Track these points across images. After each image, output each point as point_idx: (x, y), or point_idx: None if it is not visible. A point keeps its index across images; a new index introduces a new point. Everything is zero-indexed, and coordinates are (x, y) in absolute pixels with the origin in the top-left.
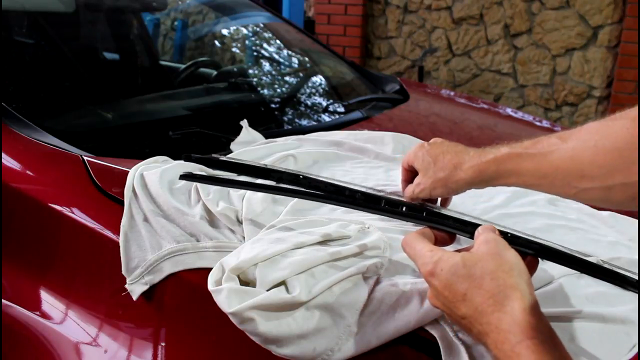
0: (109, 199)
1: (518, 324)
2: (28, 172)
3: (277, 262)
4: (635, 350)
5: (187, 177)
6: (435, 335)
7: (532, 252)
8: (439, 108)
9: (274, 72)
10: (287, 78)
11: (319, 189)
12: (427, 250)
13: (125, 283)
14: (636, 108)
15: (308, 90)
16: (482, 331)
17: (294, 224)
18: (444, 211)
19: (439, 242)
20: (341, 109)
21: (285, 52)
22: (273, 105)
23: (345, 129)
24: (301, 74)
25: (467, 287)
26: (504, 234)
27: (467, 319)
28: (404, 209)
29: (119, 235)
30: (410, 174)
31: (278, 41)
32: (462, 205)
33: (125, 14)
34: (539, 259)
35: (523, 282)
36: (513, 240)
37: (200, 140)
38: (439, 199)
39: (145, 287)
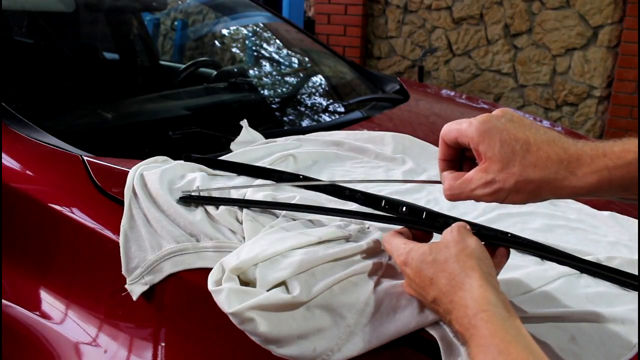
0: (109, 199)
1: (475, 299)
2: (28, 172)
3: (277, 262)
4: (635, 350)
5: (187, 198)
6: (435, 336)
7: (503, 243)
8: (439, 108)
9: (274, 72)
10: (287, 78)
11: (319, 189)
12: (401, 243)
13: (125, 283)
14: None
15: (308, 90)
16: (447, 310)
17: (294, 224)
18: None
19: (416, 239)
20: (341, 109)
21: (285, 52)
22: (273, 105)
23: (345, 129)
24: (301, 74)
25: (434, 272)
26: (476, 229)
27: (436, 301)
28: (404, 209)
29: (119, 235)
30: (456, 154)
31: (278, 41)
32: (462, 205)
33: (125, 14)
34: (511, 249)
35: (483, 264)
36: (484, 233)
37: (200, 140)
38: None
39: (145, 287)
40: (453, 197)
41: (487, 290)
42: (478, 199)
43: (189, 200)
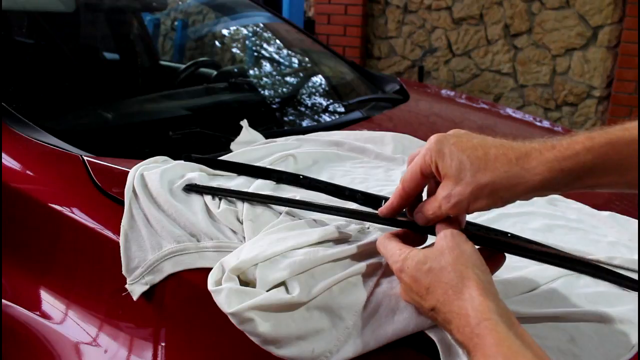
0: (109, 199)
1: (476, 308)
2: (28, 172)
3: (277, 262)
4: (635, 350)
5: (192, 187)
6: (434, 338)
7: (498, 249)
8: (439, 108)
9: (274, 72)
10: (287, 78)
11: (319, 189)
12: (397, 249)
13: (126, 283)
14: None
15: (308, 90)
16: (446, 319)
17: (294, 224)
18: None
19: (414, 239)
20: (341, 109)
21: (285, 52)
22: (273, 106)
23: (345, 129)
24: (301, 74)
25: (430, 281)
26: (476, 229)
27: (434, 310)
28: (403, 209)
29: (119, 235)
30: (427, 182)
31: (278, 41)
32: None
33: (125, 14)
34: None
35: (480, 271)
36: (480, 236)
37: (200, 140)
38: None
39: (146, 287)
40: (434, 220)
41: (487, 298)
42: (446, 214)
43: (194, 189)
